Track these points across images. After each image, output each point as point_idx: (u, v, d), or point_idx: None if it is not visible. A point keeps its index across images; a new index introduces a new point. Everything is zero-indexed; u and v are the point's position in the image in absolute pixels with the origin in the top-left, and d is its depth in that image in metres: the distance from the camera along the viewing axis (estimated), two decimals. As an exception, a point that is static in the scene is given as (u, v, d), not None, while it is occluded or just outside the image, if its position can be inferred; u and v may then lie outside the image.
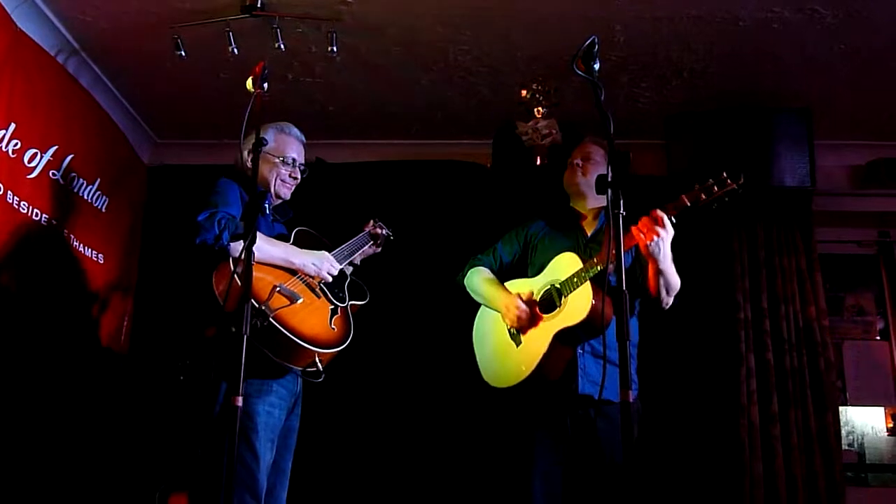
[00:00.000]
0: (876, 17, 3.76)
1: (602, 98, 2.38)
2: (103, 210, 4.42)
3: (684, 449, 4.35)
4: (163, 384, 4.29)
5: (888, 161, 4.84)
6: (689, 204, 2.79)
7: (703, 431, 4.40)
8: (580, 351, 3.04)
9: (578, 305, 2.93)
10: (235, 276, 2.69)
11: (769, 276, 4.60)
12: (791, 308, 4.52)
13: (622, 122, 4.64)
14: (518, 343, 3.14)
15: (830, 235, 5.01)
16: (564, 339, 2.99)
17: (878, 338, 4.99)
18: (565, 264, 3.10)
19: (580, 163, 3.40)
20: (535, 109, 4.32)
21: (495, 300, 3.30)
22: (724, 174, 2.76)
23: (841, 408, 4.64)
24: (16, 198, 3.63)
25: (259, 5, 3.77)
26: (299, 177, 3.33)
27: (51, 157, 3.89)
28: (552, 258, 3.21)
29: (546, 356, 2.99)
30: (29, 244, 3.70)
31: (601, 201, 3.27)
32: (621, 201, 2.18)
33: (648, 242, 2.80)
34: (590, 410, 3.01)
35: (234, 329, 2.36)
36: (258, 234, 2.81)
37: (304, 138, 3.39)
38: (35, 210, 3.78)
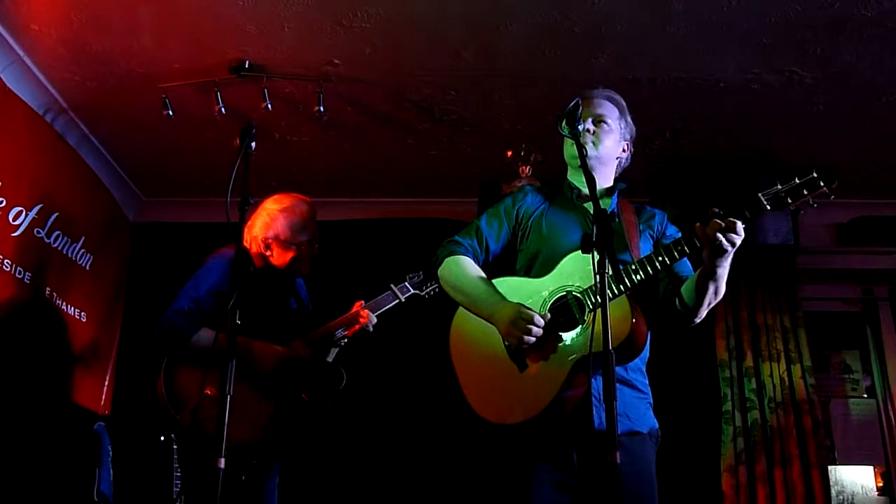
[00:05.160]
0: (854, 78, 3.84)
1: (587, 157, 2.40)
2: (87, 268, 4.39)
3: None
4: (145, 446, 4.21)
5: (870, 219, 4.90)
6: (769, 208, 2.25)
7: (690, 491, 4.34)
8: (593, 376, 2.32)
9: (614, 323, 2.12)
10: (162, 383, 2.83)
11: (754, 335, 4.61)
12: (777, 366, 4.51)
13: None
14: (522, 367, 2.40)
15: (815, 293, 5.02)
16: (583, 364, 2.33)
17: (865, 395, 4.98)
18: (587, 267, 2.24)
19: (591, 128, 2.66)
20: (521, 168, 4.35)
21: (489, 307, 2.46)
22: (814, 173, 2.24)
23: (830, 467, 4.60)
24: (-1, 256, 3.61)
25: (247, 66, 3.81)
26: (314, 251, 3.30)
27: (35, 214, 3.88)
28: (561, 250, 2.52)
29: (565, 386, 2.32)
30: (11, 303, 3.66)
31: (610, 179, 2.81)
32: (607, 262, 2.02)
33: (719, 255, 2.27)
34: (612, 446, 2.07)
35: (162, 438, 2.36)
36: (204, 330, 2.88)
37: (312, 211, 3.34)
38: (18, 268, 3.75)
